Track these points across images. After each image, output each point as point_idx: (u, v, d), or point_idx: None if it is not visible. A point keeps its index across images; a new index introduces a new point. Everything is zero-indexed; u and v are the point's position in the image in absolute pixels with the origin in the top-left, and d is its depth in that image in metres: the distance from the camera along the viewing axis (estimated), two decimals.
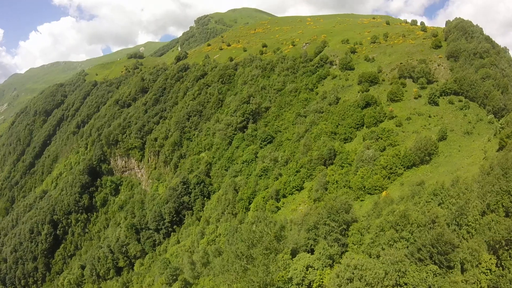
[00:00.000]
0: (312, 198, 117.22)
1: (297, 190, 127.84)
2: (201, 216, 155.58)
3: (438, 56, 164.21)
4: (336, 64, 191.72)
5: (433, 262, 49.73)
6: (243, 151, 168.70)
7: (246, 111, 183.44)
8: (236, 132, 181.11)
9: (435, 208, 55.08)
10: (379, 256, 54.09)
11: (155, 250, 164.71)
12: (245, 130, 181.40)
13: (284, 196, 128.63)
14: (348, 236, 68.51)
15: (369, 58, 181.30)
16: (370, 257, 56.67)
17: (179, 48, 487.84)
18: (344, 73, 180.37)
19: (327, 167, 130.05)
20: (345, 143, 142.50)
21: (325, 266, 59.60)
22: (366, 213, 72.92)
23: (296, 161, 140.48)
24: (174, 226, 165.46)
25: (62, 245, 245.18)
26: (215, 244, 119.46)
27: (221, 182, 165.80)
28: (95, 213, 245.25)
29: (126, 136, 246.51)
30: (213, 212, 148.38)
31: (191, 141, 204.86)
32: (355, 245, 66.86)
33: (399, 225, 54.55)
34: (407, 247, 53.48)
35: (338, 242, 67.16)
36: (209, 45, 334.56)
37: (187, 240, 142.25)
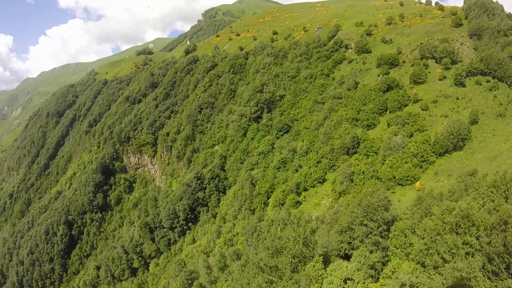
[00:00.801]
0: (337, 191, 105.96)
1: (319, 182, 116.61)
2: (217, 213, 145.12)
3: (460, 35, 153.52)
4: (351, 48, 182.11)
5: (509, 276, 38.45)
6: (258, 143, 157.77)
7: (259, 100, 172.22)
8: (250, 123, 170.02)
9: (504, 206, 43.44)
10: (437, 267, 42.87)
11: (170, 250, 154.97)
12: (259, 120, 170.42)
13: (305, 189, 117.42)
14: (389, 238, 57.42)
15: (386, 40, 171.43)
16: (424, 267, 45.49)
17: (188, 42, 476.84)
18: (361, 56, 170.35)
19: (350, 157, 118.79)
20: (368, 130, 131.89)
21: (366, 278, 48.52)
22: (408, 209, 61.40)
23: (316, 151, 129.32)
24: (189, 224, 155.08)
25: (78, 245, 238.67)
26: (232, 244, 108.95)
27: (236, 176, 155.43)
28: (109, 212, 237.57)
29: (138, 132, 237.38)
30: (230, 208, 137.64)
31: (204, 134, 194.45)
32: (398, 248, 55.69)
33: (461, 228, 43.02)
34: (472, 255, 42.20)
35: (377, 246, 56.12)
36: (217, 36, 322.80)
37: (202, 239, 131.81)
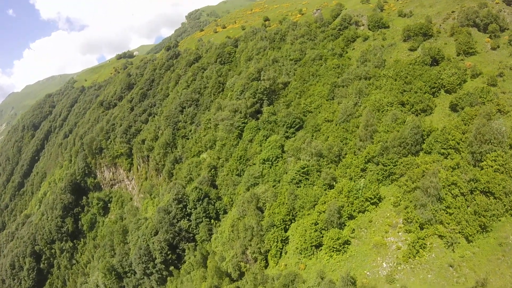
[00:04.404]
0: (416, 221, 55.13)
1: (372, 203, 65.49)
2: (208, 253, 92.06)
3: (495, 1, 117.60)
4: (363, 25, 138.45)
5: None
6: (260, 146, 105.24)
7: (257, 90, 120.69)
8: (247, 120, 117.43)
9: None
10: None
11: None
12: (258, 115, 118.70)
13: (350, 217, 65.69)
14: None
15: (405, 13, 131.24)
16: None
17: None
18: (378, 32, 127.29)
19: (415, 158, 68.70)
20: (424, 116, 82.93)
21: None
22: None
23: (354, 153, 78.53)
24: (171, 268, 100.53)
25: (48, 280, 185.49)
26: None
27: (233, 194, 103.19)
28: (82, 239, 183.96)
29: (111, 141, 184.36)
30: (227, 249, 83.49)
31: (188, 139, 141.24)
32: None
33: None
34: None
35: None
36: (202, 30, 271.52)
37: None
